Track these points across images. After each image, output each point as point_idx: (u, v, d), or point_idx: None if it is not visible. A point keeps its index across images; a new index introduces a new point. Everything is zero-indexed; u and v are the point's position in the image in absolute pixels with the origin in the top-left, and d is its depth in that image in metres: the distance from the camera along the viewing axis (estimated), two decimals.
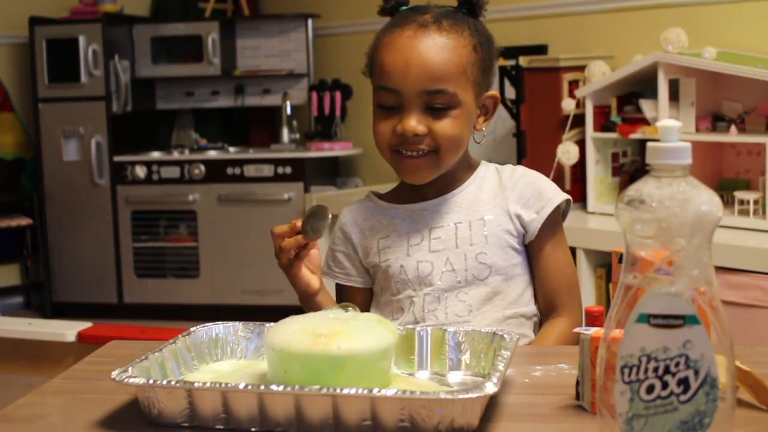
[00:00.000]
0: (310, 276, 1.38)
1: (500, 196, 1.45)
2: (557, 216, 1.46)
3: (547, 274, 1.45)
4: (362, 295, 1.52)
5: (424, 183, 1.43)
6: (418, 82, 1.34)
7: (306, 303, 1.41)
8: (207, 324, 1.19)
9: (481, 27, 1.42)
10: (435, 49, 1.35)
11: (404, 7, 1.43)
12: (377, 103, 1.40)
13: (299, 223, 1.33)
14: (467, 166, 1.48)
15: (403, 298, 1.43)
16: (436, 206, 1.45)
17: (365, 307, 1.51)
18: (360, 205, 1.53)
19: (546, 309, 1.46)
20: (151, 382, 0.98)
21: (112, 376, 0.99)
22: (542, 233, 1.43)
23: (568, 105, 3.36)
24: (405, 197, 1.48)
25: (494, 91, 1.45)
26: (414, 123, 1.35)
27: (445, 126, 1.36)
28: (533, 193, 1.44)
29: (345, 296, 1.52)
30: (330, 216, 1.32)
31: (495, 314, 1.41)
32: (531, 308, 1.46)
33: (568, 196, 1.47)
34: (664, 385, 0.78)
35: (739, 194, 2.94)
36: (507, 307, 1.42)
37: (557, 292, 1.45)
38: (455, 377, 1.14)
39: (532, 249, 1.45)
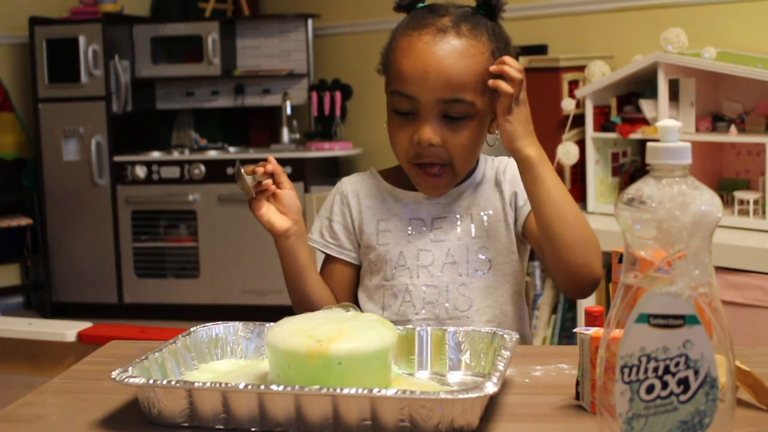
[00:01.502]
0: (272, 216, 1.39)
1: (498, 191, 1.46)
2: None
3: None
4: (349, 271, 1.49)
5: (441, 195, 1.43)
6: (436, 90, 1.33)
7: (277, 246, 1.41)
8: (207, 324, 1.19)
9: (499, 30, 1.40)
10: (454, 56, 1.33)
11: (421, 4, 1.41)
12: (393, 107, 1.39)
13: (259, 169, 1.37)
14: None
15: (398, 284, 1.43)
16: (440, 197, 1.45)
17: (351, 287, 1.49)
18: (361, 180, 1.52)
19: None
20: (151, 382, 0.98)
21: (112, 376, 0.99)
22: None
23: (568, 105, 3.36)
24: (408, 181, 1.46)
25: None
26: (429, 133, 1.34)
27: (460, 139, 1.36)
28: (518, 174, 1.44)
29: (331, 269, 1.50)
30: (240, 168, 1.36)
31: (494, 309, 1.42)
32: (524, 306, 1.48)
33: None
34: (664, 385, 0.78)
35: (739, 194, 2.94)
36: (505, 303, 1.43)
37: None
38: (455, 377, 1.14)
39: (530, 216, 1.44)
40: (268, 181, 1.37)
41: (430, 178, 1.39)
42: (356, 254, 1.49)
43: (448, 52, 1.33)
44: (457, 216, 1.44)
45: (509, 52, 1.40)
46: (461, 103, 1.34)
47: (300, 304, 1.43)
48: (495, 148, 1.45)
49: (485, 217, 1.43)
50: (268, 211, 1.39)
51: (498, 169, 1.48)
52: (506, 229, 1.44)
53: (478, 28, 1.36)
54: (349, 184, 1.52)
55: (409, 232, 1.44)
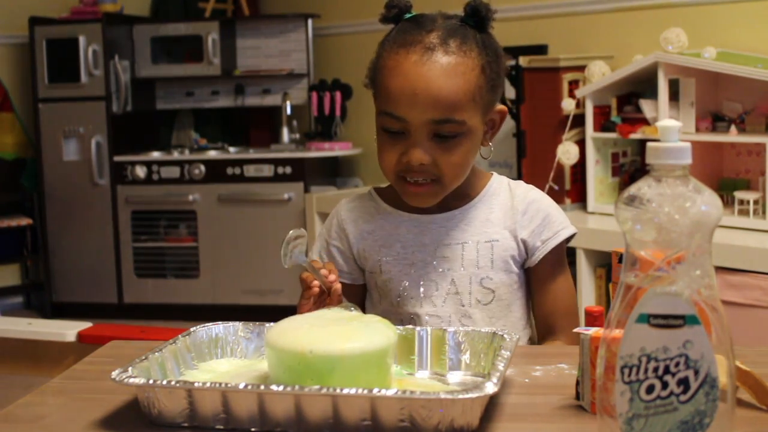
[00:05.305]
0: None
1: (510, 219, 1.42)
2: (562, 246, 1.44)
3: (546, 299, 1.44)
4: (353, 290, 1.47)
5: (427, 206, 1.40)
6: (426, 111, 1.29)
7: None
8: (207, 324, 1.19)
9: (489, 41, 1.36)
10: (443, 76, 1.29)
11: (408, 15, 1.37)
12: (381, 126, 1.35)
13: (315, 285, 1.27)
14: (477, 179, 1.45)
15: (403, 313, 1.41)
16: (444, 221, 1.42)
17: (358, 304, 1.49)
18: (361, 203, 1.49)
19: (543, 331, 1.45)
20: (151, 382, 0.98)
21: (112, 376, 0.99)
22: (545, 261, 1.42)
23: (568, 105, 3.36)
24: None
25: (502, 106, 1.40)
26: (420, 154, 1.31)
27: (451, 157, 1.32)
28: (543, 220, 1.42)
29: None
30: (301, 235, 1.25)
31: None
32: (528, 332, 1.46)
33: (576, 230, 1.44)
34: (664, 385, 0.78)
35: (739, 194, 2.95)
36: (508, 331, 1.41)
37: (555, 316, 1.44)
38: (455, 377, 1.14)
39: (533, 274, 1.44)
40: (336, 284, 1.29)
41: (414, 187, 1.35)
42: (356, 275, 1.47)
43: (437, 71, 1.29)
44: (462, 243, 1.41)
45: (500, 64, 1.37)
46: (452, 122, 1.30)
47: None
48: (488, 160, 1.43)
49: (492, 246, 1.40)
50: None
51: (516, 194, 1.44)
52: (512, 258, 1.41)
53: (467, 43, 1.32)
54: (346, 210, 1.49)
55: (412, 261, 1.41)
